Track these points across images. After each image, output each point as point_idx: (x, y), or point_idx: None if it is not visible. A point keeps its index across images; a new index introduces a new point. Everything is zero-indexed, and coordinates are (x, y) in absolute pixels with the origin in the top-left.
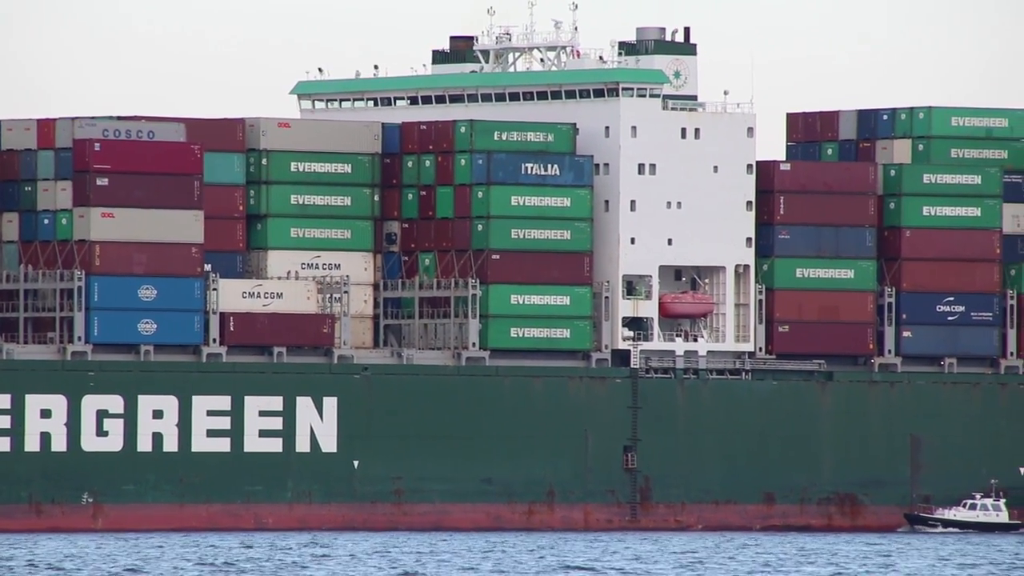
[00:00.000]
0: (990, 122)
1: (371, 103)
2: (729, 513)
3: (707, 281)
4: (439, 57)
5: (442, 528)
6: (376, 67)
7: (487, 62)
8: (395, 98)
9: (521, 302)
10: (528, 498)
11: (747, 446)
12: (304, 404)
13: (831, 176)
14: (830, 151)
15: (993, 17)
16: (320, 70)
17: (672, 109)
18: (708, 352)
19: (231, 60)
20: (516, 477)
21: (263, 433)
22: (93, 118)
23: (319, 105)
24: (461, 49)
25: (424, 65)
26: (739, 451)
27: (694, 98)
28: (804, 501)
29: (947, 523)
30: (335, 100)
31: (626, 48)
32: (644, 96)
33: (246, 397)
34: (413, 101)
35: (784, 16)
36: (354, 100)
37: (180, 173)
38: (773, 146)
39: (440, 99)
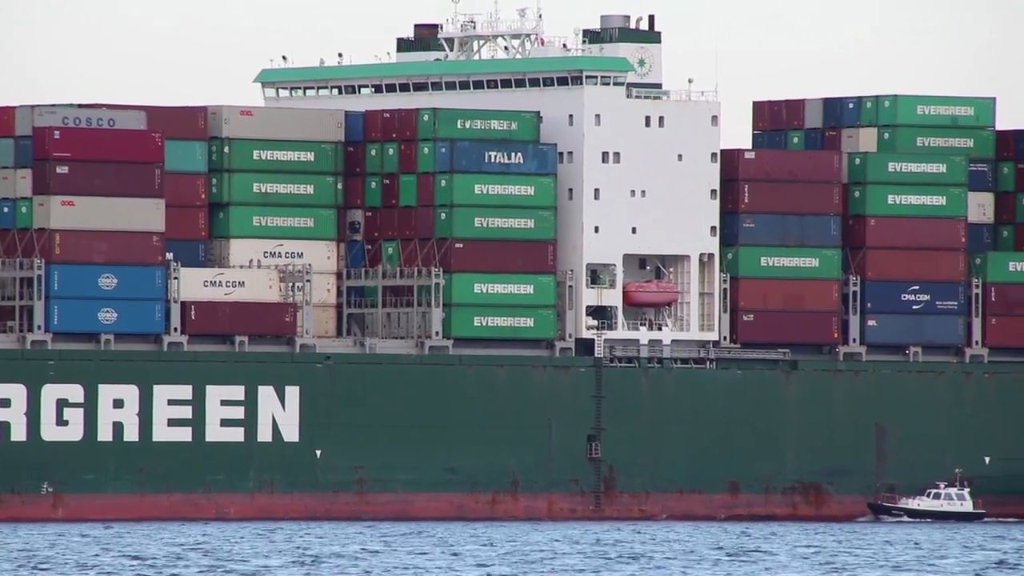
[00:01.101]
0: (956, 110)
1: (335, 91)
2: (693, 502)
3: (671, 270)
4: (404, 45)
5: (406, 518)
6: (340, 55)
7: (452, 50)
8: (359, 86)
9: (484, 291)
10: (492, 487)
11: (711, 435)
12: (266, 393)
13: (796, 165)
14: (796, 140)
15: (959, 5)
16: (284, 58)
17: (636, 97)
18: (672, 341)
19: (196, 49)
20: (480, 466)
21: (225, 422)
22: (53, 106)
23: (283, 93)
24: (425, 37)
25: (388, 53)
26: (703, 440)
27: (659, 86)
28: (769, 490)
29: (910, 512)
30: (299, 88)
31: (590, 36)
32: (608, 84)
33: (207, 386)
34: (377, 89)
35: (750, 5)
36: (318, 88)
37: (140, 161)
38: (740, 134)
39: (404, 87)
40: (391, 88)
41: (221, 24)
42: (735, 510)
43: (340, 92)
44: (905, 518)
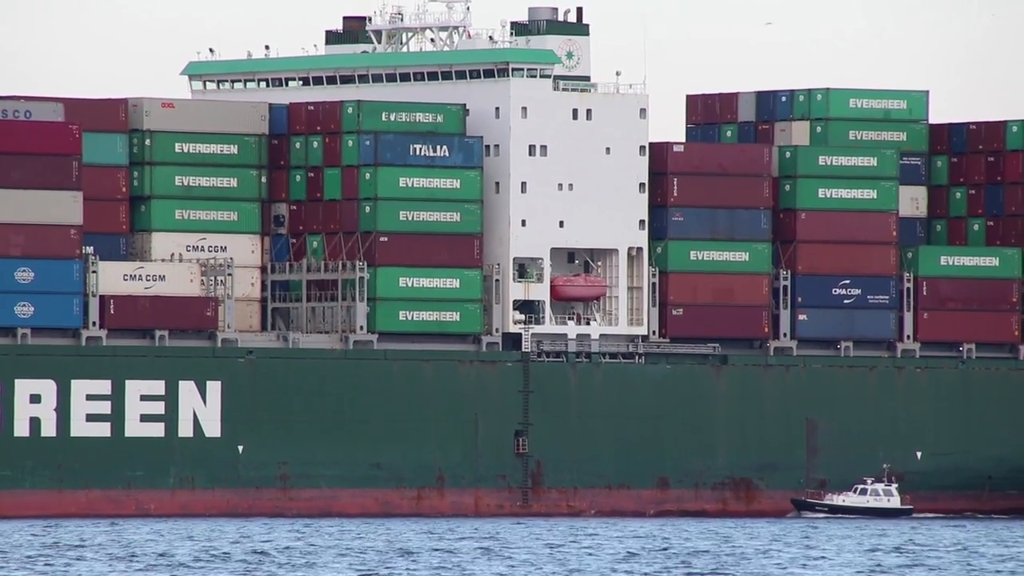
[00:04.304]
0: (888, 104)
1: (263, 84)
2: (622, 498)
3: (600, 264)
4: (332, 37)
5: (329, 514)
6: (267, 47)
7: (380, 42)
8: (287, 79)
9: (410, 285)
10: (418, 483)
11: (641, 430)
12: (187, 388)
13: (725, 158)
14: (729, 133)
15: None
16: (211, 51)
17: (563, 90)
18: (601, 335)
19: (123, 41)
20: (405, 462)
21: (144, 418)
22: None
23: (210, 86)
24: (354, 29)
25: (315, 45)
26: (632, 435)
27: (587, 79)
28: (699, 486)
29: (835, 509)
30: (226, 81)
31: (517, 28)
32: (535, 77)
33: (127, 381)
34: (305, 82)
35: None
36: (246, 81)
37: (57, 153)
38: (673, 128)
39: (331, 80)
40: (318, 81)
41: (148, 17)
42: (665, 506)
43: (268, 85)
44: (829, 514)
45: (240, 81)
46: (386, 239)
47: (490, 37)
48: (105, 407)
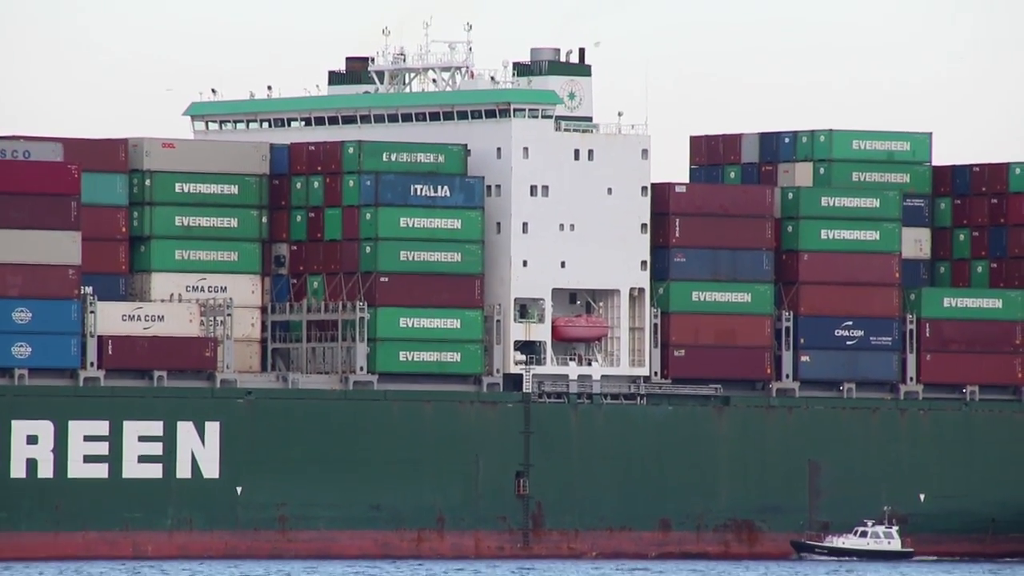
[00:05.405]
0: (892, 145)
1: (266, 124)
2: (624, 540)
3: (601, 304)
4: (335, 78)
5: (328, 556)
6: (270, 88)
7: (383, 83)
8: (289, 119)
9: (410, 325)
10: (417, 525)
11: (642, 472)
12: (185, 429)
13: (728, 199)
14: (733, 174)
15: (895, 40)
16: (214, 91)
17: (565, 130)
18: (602, 376)
19: (124, 81)
20: (405, 503)
21: (142, 459)
22: None
23: (213, 126)
24: (357, 70)
25: (317, 86)
26: (634, 477)
27: (589, 119)
28: (700, 528)
29: (834, 551)
30: (229, 121)
31: (519, 69)
32: (536, 117)
33: (125, 422)
34: (307, 122)
35: (684, 40)
36: (248, 121)
37: (56, 193)
38: (677, 168)
39: (333, 120)
40: (320, 121)
41: (151, 58)
42: (666, 548)
43: (270, 125)
44: (829, 556)
45: (242, 121)
46: (387, 279)
47: (492, 77)
48: (103, 448)
